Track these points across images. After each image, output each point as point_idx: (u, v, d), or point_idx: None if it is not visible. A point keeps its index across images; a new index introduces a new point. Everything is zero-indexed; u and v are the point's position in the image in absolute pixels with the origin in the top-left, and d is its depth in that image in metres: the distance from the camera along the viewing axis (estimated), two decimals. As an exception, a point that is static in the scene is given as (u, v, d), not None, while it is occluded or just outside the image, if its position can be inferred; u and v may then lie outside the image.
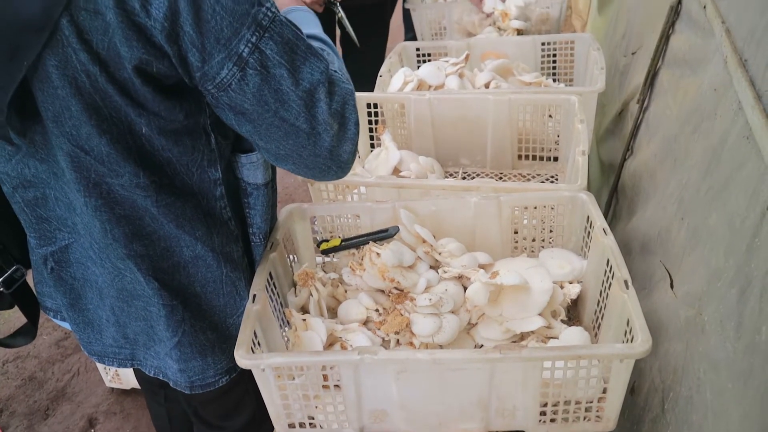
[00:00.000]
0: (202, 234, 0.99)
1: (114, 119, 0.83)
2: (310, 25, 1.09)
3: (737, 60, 1.00)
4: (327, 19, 2.36)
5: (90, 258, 1.01)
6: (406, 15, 3.09)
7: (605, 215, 1.80)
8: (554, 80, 2.13)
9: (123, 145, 0.86)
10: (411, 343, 1.18)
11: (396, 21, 3.03)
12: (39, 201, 0.97)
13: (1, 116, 0.80)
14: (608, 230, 1.16)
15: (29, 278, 1.13)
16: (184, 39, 0.76)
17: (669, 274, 1.17)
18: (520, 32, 2.38)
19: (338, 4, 2.31)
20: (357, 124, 0.94)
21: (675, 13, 1.50)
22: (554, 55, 2.17)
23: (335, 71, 0.92)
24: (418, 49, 2.26)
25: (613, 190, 1.78)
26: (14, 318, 2.56)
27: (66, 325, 1.15)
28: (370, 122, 1.83)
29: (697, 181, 1.11)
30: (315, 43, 0.96)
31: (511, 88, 1.87)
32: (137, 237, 0.96)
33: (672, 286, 1.15)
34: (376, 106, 1.80)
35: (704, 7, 1.22)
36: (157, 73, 0.80)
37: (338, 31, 2.81)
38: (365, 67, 2.54)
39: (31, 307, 1.15)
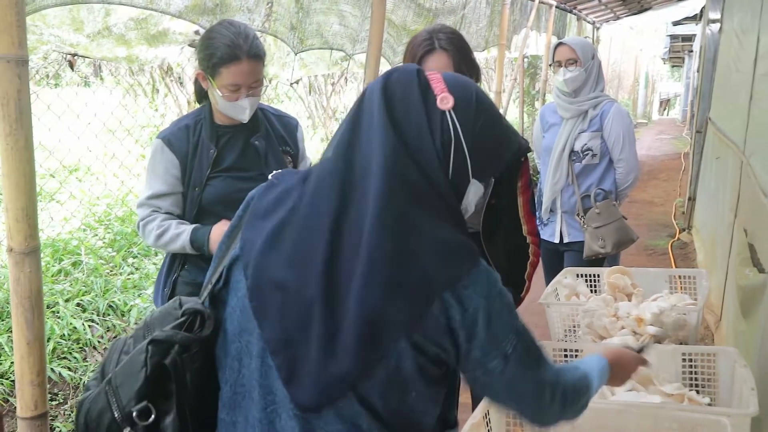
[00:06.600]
0: None
1: None
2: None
3: None
4: None
5: None
6: None
7: None
8: (698, 392, 2.06)
9: None
10: None
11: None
12: None
13: None
14: None
15: None
16: (476, 341, 1.09)
17: None
18: (656, 338, 2.38)
19: None
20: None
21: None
22: (694, 365, 2.14)
23: None
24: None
25: None
26: None
27: None
28: None
29: None
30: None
31: (653, 401, 1.84)
32: None
33: None
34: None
35: None
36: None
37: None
38: None
39: None
